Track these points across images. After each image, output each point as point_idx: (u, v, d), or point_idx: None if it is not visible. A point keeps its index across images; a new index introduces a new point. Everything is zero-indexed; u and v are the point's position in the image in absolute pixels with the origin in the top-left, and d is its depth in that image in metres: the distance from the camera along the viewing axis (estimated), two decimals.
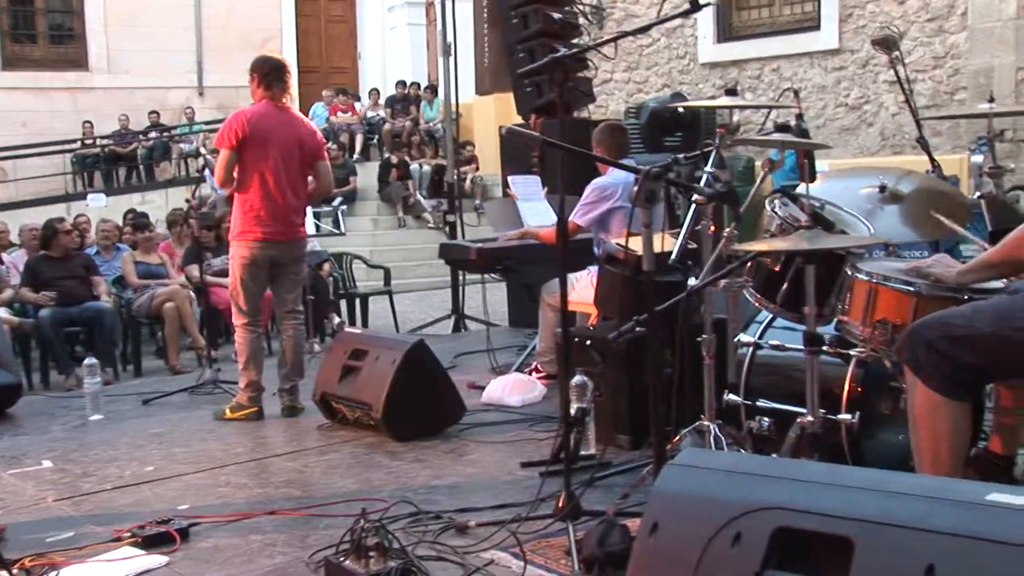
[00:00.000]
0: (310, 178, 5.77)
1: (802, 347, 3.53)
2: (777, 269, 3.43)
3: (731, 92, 3.78)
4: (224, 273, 8.89)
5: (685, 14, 3.63)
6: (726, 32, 13.72)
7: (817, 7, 12.88)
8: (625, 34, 3.50)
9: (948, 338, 2.77)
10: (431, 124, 16.19)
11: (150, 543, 3.65)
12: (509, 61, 8.60)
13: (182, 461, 4.92)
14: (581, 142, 7.96)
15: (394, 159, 15.14)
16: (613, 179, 5.61)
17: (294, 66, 19.43)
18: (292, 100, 5.65)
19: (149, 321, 8.87)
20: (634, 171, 2.85)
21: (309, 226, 7.82)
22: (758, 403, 3.74)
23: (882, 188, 3.78)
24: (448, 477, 4.45)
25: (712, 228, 3.49)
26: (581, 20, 14.74)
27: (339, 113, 16.81)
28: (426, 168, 15.23)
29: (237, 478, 4.58)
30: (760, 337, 3.80)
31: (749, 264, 3.51)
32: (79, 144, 17.27)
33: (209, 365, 6.71)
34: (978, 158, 10.16)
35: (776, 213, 3.44)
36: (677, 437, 3.75)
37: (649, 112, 7.75)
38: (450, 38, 9.25)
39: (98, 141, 17.49)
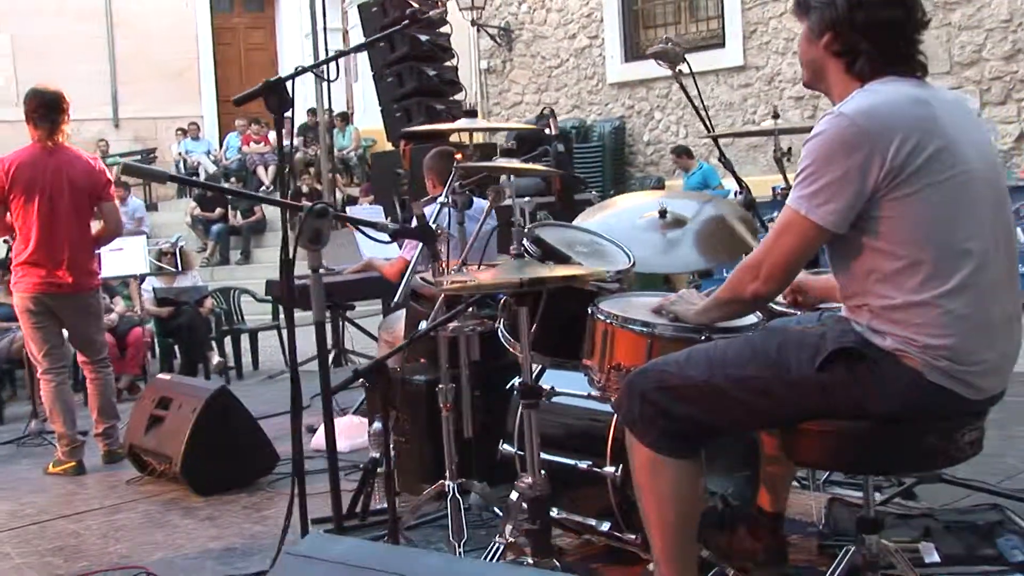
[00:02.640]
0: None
1: (579, 393, 3.26)
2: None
3: (470, 114, 3.47)
4: None
5: (407, 26, 3.31)
6: (633, 51, 13.53)
7: (721, 24, 12.73)
8: (343, 53, 3.18)
9: (662, 388, 2.46)
10: (344, 152, 15.85)
11: None
12: (377, 86, 8.32)
13: None
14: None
15: (305, 188, 14.79)
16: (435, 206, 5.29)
17: (212, 96, 19.32)
18: (66, 137, 5.29)
19: (9, 366, 8.43)
20: (296, 208, 2.54)
21: (140, 264, 7.46)
22: None
23: (662, 213, 3.48)
24: (230, 538, 4.10)
25: (442, 266, 3.18)
26: (490, 42, 14.61)
27: (252, 143, 16.43)
28: (338, 197, 14.86)
29: (3, 547, 4.20)
30: (535, 382, 3.47)
31: (503, 303, 3.20)
32: None
33: (34, 415, 6.30)
34: None
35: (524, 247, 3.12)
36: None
37: (515, 136, 7.45)
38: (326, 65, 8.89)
39: None
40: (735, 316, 2.64)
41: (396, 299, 3.07)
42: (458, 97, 8.34)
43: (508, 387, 3.58)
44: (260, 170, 16.22)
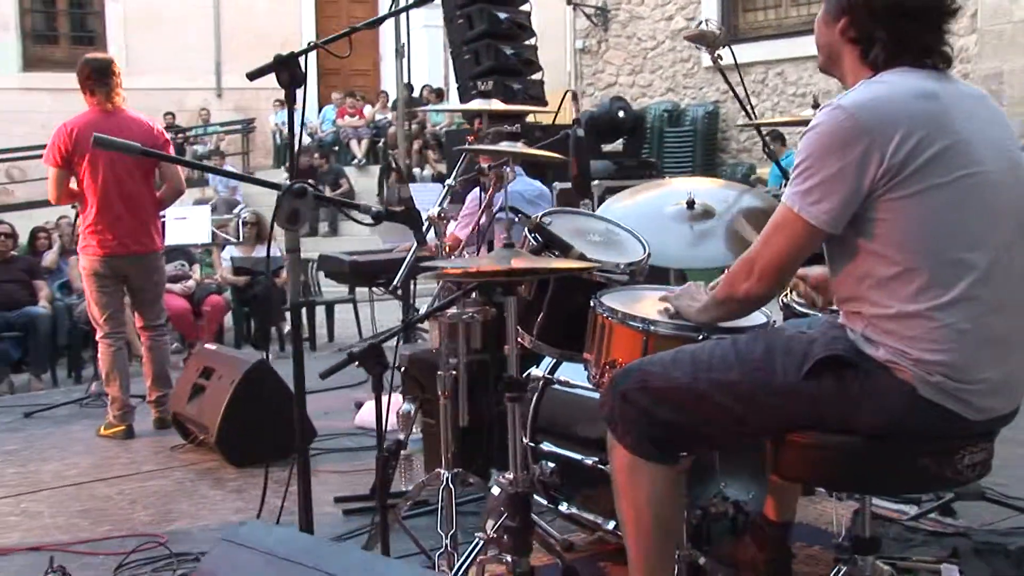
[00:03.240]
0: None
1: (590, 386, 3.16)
2: (531, 298, 3.01)
3: (485, 95, 3.37)
4: (176, 279, 8.75)
5: (419, 4, 3.20)
6: (731, 34, 13.18)
7: None
8: (356, 29, 3.10)
9: (644, 389, 2.33)
10: (437, 128, 15.85)
11: None
12: (454, 64, 8.26)
13: (5, 484, 4.65)
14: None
15: (393, 164, 14.84)
16: None
17: (313, 68, 19.49)
18: (123, 99, 5.34)
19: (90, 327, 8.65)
20: (273, 187, 2.48)
21: (204, 234, 7.54)
22: (542, 446, 3.33)
23: (690, 204, 3.33)
24: (251, 511, 4.10)
25: (447, 249, 3.09)
26: (586, 22, 14.42)
27: (346, 116, 16.56)
28: (427, 172, 14.88)
29: (39, 506, 4.29)
30: (552, 372, 3.38)
31: (520, 291, 3.09)
32: None
33: (96, 377, 6.43)
34: None
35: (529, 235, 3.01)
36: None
37: (587, 118, 7.30)
38: (403, 39, 8.89)
39: None
40: (734, 316, 2.49)
41: (395, 283, 2.99)
42: (535, 77, 8.21)
43: (523, 376, 3.49)
44: (353, 143, 16.36)
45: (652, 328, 2.59)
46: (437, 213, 3.04)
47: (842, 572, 2.45)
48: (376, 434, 2.91)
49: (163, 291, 5.73)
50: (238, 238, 8.93)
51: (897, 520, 3.48)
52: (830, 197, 2.10)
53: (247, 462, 4.71)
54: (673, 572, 2.47)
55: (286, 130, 16.70)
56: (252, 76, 3.10)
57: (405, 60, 9.09)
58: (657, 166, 7.50)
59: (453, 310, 3.05)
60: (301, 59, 3.10)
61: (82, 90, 5.31)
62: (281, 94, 12.35)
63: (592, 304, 2.78)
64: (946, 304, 2.06)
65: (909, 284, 2.08)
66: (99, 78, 5.25)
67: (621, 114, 7.12)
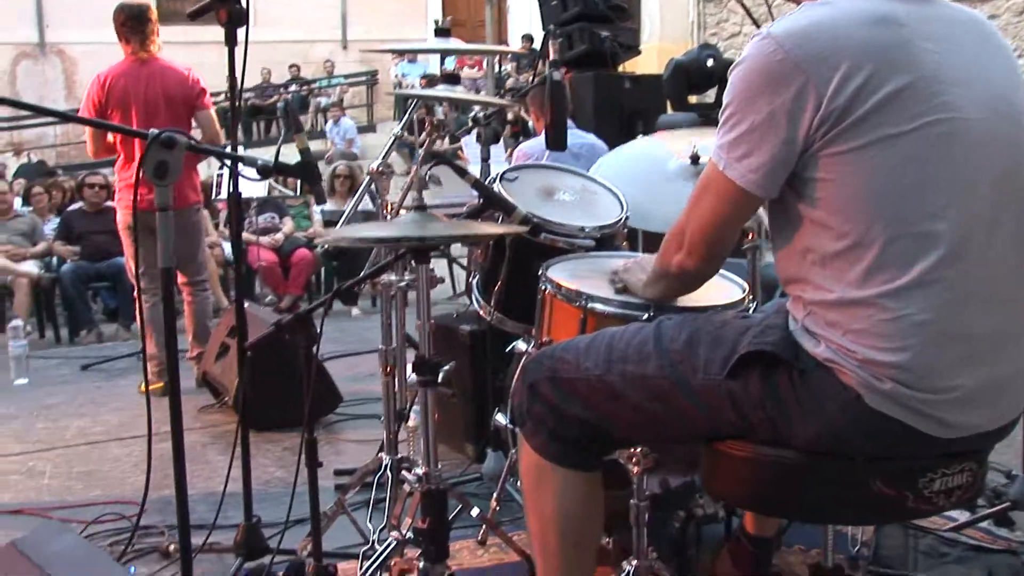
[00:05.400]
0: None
1: None
2: (488, 266, 2.64)
3: (443, 32, 2.98)
4: (265, 231, 8.69)
5: None
6: None
7: None
8: None
9: (554, 380, 1.95)
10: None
11: None
12: (541, 10, 7.83)
13: (26, 440, 4.59)
14: (613, 99, 7.19)
15: (510, 116, 14.50)
16: (539, 143, 4.83)
17: (438, 18, 19.29)
18: (159, 48, 5.16)
19: None
20: (141, 136, 2.18)
21: (260, 187, 7.37)
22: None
23: (694, 159, 2.89)
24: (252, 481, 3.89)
25: (386, 206, 2.74)
26: None
27: (466, 68, 16.28)
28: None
29: (44, 465, 4.20)
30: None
31: (476, 256, 2.75)
32: (222, 97, 17.52)
33: None
34: None
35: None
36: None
37: (673, 66, 6.77)
38: None
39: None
40: (676, 292, 2.08)
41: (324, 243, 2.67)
42: (627, 25, 7.72)
43: (508, 350, 3.14)
44: (472, 96, 16.09)
45: (590, 305, 2.19)
46: (378, 167, 2.70)
47: None
48: (306, 416, 2.63)
49: (203, 245, 5.56)
50: (331, 192, 8.78)
51: (933, 530, 2.98)
52: (758, 151, 1.67)
53: (266, 427, 4.51)
54: None
55: (405, 81, 16.58)
56: (192, 15, 2.84)
57: (499, 10, 8.67)
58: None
59: (392, 277, 2.71)
60: None
61: (118, 38, 5.16)
62: (398, 46, 11.93)
63: (539, 275, 2.40)
64: (901, 289, 1.61)
65: (857, 262, 1.64)
66: (134, 25, 5.09)
67: (711, 62, 6.55)
